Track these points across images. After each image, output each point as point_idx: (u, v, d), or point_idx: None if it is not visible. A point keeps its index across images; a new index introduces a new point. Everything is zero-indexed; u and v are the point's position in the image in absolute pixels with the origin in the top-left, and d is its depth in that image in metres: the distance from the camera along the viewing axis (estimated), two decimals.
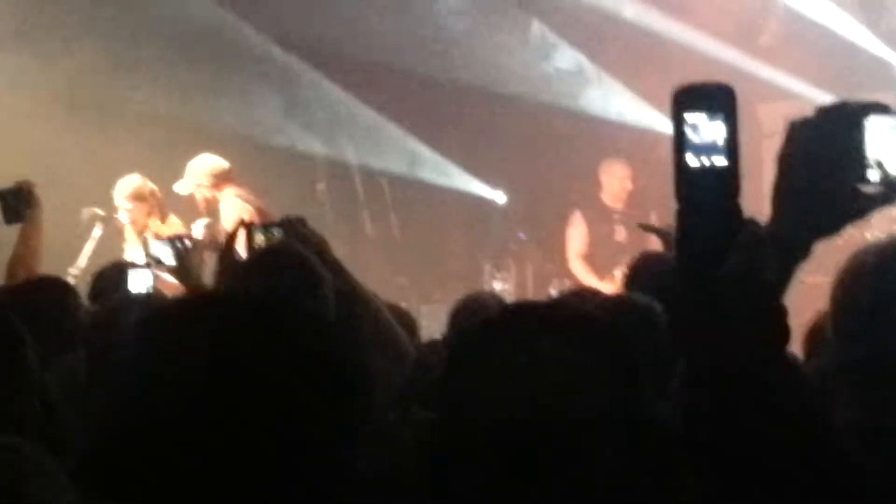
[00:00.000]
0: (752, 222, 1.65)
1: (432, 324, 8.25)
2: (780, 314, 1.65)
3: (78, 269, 8.22)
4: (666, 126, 11.07)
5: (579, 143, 12.10)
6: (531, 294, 11.82)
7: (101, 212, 8.68)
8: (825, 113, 2.09)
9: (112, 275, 5.63)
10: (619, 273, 10.37)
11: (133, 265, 5.76)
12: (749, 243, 1.64)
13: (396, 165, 13.10)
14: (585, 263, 10.84)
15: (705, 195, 1.65)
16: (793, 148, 2.13)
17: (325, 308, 3.57)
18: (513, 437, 1.84)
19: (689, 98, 1.67)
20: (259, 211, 8.05)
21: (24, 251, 5.93)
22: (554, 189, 12.17)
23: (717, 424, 1.64)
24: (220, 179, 8.53)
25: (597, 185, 11.06)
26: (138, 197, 8.63)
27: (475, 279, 12.15)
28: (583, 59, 12.68)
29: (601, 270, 10.60)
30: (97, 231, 8.68)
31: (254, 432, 1.77)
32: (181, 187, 8.54)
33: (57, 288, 4.68)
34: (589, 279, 10.52)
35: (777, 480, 1.63)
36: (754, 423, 1.62)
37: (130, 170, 8.84)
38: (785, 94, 12.01)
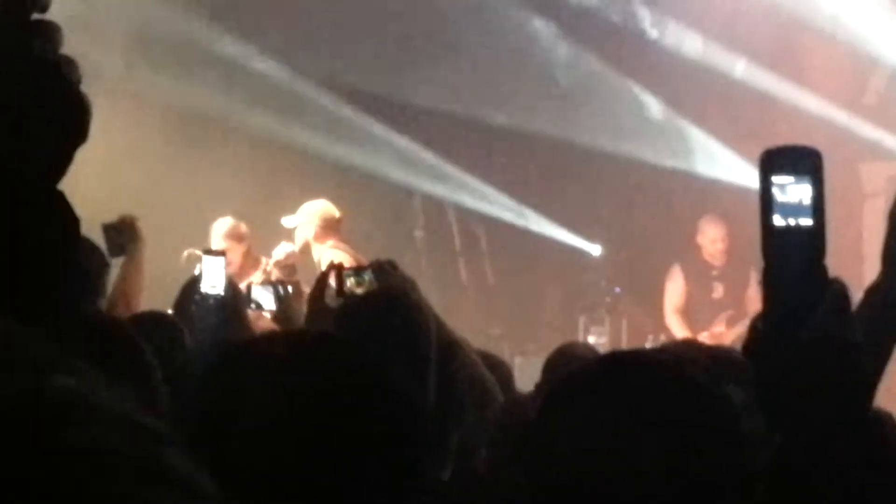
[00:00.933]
0: (838, 282, 1.66)
1: (526, 375, 8.23)
2: (865, 374, 1.65)
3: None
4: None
5: (679, 198, 12.06)
6: (626, 347, 11.77)
7: (200, 252, 8.76)
8: None
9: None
10: (717, 329, 10.33)
11: (209, 251, 5.76)
12: (834, 303, 1.64)
13: (495, 215, 13.15)
14: (682, 318, 10.79)
15: (792, 255, 1.67)
16: None
17: (424, 354, 3.58)
18: (600, 490, 1.83)
19: (777, 160, 1.70)
20: (356, 262, 8.11)
21: (125, 286, 5.97)
22: (651, 243, 12.13)
23: (807, 487, 1.63)
24: (328, 226, 8.63)
25: (695, 241, 11.02)
26: (235, 237, 8.76)
27: (570, 332, 12.10)
28: (682, 115, 12.65)
29: (696, 327, 10.54)
30: (197, 272, 8.76)
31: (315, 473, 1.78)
32: (289, 221, 8.66)
33: (168, 324, 4.71)
34: (684, 334, 10.46)
35: None
36: (844, 484, 1.62)
37: (230, 209, 8.98)
38: (888, 155, 11.90)
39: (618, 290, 12.46)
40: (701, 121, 12.48)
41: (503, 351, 11.16)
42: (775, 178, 1.68)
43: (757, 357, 1.67)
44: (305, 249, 8.63)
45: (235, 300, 5.34)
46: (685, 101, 12.50)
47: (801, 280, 1.65)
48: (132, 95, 11.57)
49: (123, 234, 6.10)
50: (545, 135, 12.52)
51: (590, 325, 12.35)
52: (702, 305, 10.68)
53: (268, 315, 5.79)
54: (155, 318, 4.86)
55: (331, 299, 4.51)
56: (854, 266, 11.88)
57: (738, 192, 12.18)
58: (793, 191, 1.68)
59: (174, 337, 4.41)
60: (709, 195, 12.11)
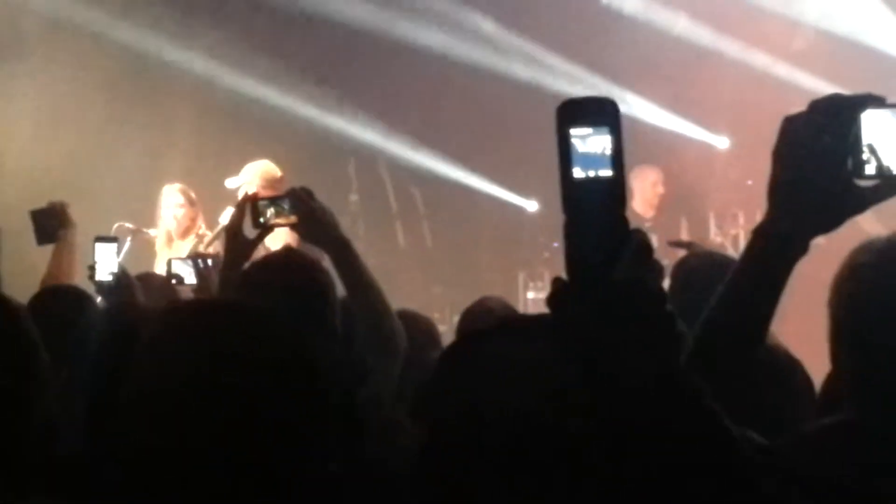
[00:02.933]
0: (639, 231, 1.66)
1: None
2: (670, 321, 1.65)
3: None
4: (695, 132, 11.03)
5: None
6: None
7: (130, 225, 8.73)
8: (818, 106, 2.06)
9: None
10: None
11: (99, 238, 5.74)
12: (636, 251, 1.64)
13: (428, 175, 13.14)
14: None
15: (592, 206, 1.66)
16: (787, 142, 2.10)
17: (330, 314, 3.58)
18: (491, 442, 1.82)
19: (574, 112, 1.69)
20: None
21: (57, 271, 5.92)
22: None
23: (610, 432, 1.65)
24: (269, 185, 8.61)
25: (628, 191, 11.01)
26: (189, 199, 8.81)
27: (510, 288, 12.12)
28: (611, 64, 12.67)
29: None
30: (126, 244, 8.74)
31: (237, 443, 1.77)
32: (231, 182, 8.65)
33: (72, 296, 4.66)
34: None
35: (669, 488, 1.63)
36: (648, 430, 1.63)
37: (167, 181, 8.97)
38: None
39: (556, 245, 12.47)
40: (623, 68, 12.49)
41: (444, 310, 11.19)
42: (573, 130, 1.67)
43: (559, 309, 1.66)
44: None
45: (126, 287, 5.32)
46: (609, 52, 12.50)
47: (603, 231, 1.65)
48: (61, 50, 11.47)
49: (53, 220, 6.03)
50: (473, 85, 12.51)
51: (529, 281, 12.37)
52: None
53: (188, 288, 5.76)
54: (61, 290, 4.82)
55: (249, 231, 4.45)
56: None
57: (668, 142, 12.25)
58: (591, 142, 1.67)
59: (81, 308, 4.37)
60: (639, 145, 12.14)
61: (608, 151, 1.67)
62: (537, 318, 2.12)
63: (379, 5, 12.39)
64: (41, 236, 6.00)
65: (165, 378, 1.82)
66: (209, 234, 8.68)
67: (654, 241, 9.97)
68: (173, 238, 8.82)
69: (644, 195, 10.93)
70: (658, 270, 1.66)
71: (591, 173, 1.66)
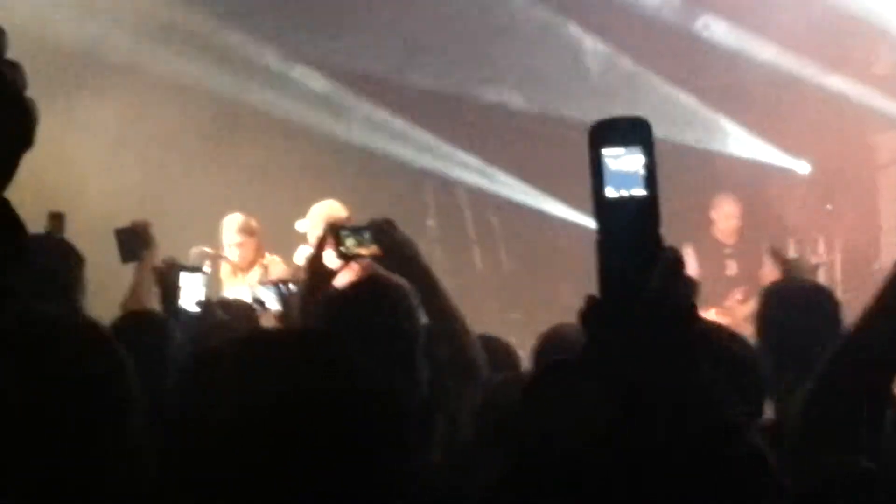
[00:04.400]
0: (671, 248, 1.66)
1: None
2: (700, 336, 1.67)
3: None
4: (777, 157, 10.95)
5: (691, 177, 11.99)
6: None
7: (209, 250, 8.77)
8: None
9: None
10: (728, 304, 10.30)
11: (184, 267, 5.80)
12: (668, 267, 1.64)
13: (505, 200, 13.14)
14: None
15: (625, 226, 1.67)
16: None
17: (413, 344, 3.57)
18: (580, 470, 1.82)
19: (606, 133, 1.69)
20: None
21: (140, 290, 5.94)
22: (665, 222, 12.07)
23: (638, 445, 1.65)
24: None
25: (708, 220, 10.99)
26: (248, 231, 8.79)
27: None
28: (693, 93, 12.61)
29: (709, 304, 10.53)
30: (206, 269, 8.79)
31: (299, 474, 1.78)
32: (301, 225, 8.65)
33: (156, 322, 4.70)
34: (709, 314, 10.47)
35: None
36: (673, 445, 1.64)
37: (236, 210, 9.00)
38: None
39: None
40: (708, 97, 12.43)
41: (522, 335, 11.13)
42: (605, 150, 1.68)
43: (592, 324, 1.67)
44: None
45: (211, 316, 5.36)
46: (696, 80, 12.45)
47: (635, 249, 1.66)
48: (141, 87, 11.58)
49: (136, 239, 6.06)
50: (557, 116, 12.49)
51: None
52: (715, 283, 10.66)
53: (272, 314, 5.80)
54: (144, 316, 4.85)
55: (330, 261, 4.46)
56: (871, 236, 11.86)
57: (751, 169, 12.17)
58: (624, 161, 1.67)
59: (160, 333, 4.39)
60: (721, 173, 12.07)
61: (641, 170, 1.68)
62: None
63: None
64: (125, 254, 6.03)
65: (238, 409, 1.83)
66: (275, 260, 8.71)
67: (735, 267, 10.00)
68: (237, 269, 8.84)
69: (719, 225, 10.94)
70: (691, 287, 1.66)
71: (625, 192, 1.67)
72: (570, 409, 1.84)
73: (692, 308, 1.66)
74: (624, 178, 1.67)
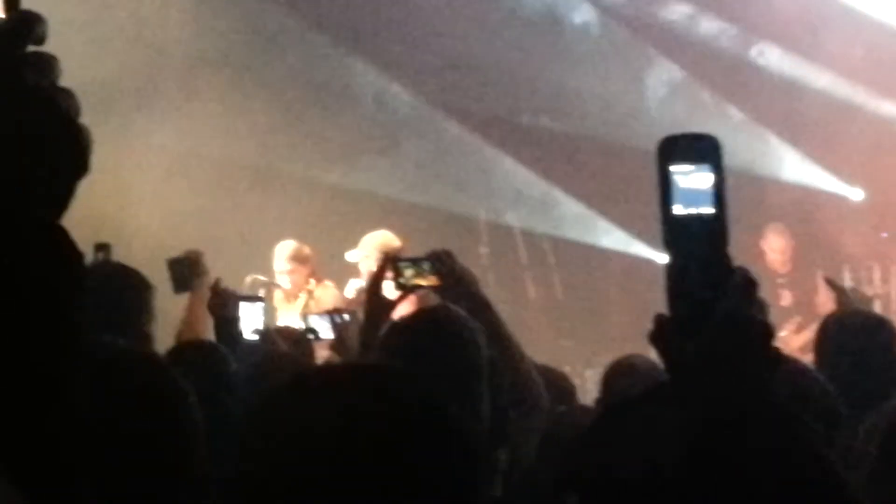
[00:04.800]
0: (742, 268, 1.65)
1: (596, 387, 8.17)
2: (776, 356, 1.64)
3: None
4: (830, 183, 10.90)
5: (743, 203, 11.91)
6: None
7: (263, 278, 8.79)
8: None
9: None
10: (782, 334, 10.21)
11: (243, 297, 5.81)
12: (741, 287, 1.63)
13: (558, 227, 13.13)
14: None
15: (694, 243, 1.65)
16: None
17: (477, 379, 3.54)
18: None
19: (676, 149, 1.68)
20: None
21: (193, 319, 5.91)
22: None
23: (716, 470, 1.63)
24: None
25: (758, 246, 10.93)
26: (299, 259, 8.80)
27: (639, 343, 11.97)
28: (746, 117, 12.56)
29: None
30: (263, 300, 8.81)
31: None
32: (352, 255, 8.66)
33: (212, 351, 4.68)
34: None
35: None
36: (750, 466, 1.61)
37: (288, 237, 9.02)
38: None
39: None
40: (763, 121, 12.38)
41: (574, 363, 11.13)
42: (674, 167, 1.67)
43: (664, 345, 1.66)
44: None
45: (271, 344, 5.36)
46: (751, 106, 12.41)
47: (706, 267, 1.64)
48: (195, 114, 11.65)
49: (188, 268, 6.05)
50: (614, 141, 12.49)
51: None
52: (770, 313, 10.57)
53: (325, 343, 5.80)
54: (195, 346, 4.82)
55: (389, 292, 4.45)
56: None
57: (805, 195, 12.09)
58: (693, 179, 1.66)
59: (217, 363, 4.37)
60: (774, 200, 12.00)
61: (710, 188, 1.66)
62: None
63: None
64: (178, 285, 6.03)
65: (308, 447, 1.81)
66: (326, 286, 8.71)
67: (789, 297, 9.92)
68: (290, 297, 8.85)
69: (771, 255, 10.86)
70: (763, 308, 1.67)
71: (693, 210, 1.65)
72: (642, 442, 1.83)
73: (768, 328, 1.64)
74: (693, 196, 1.66)
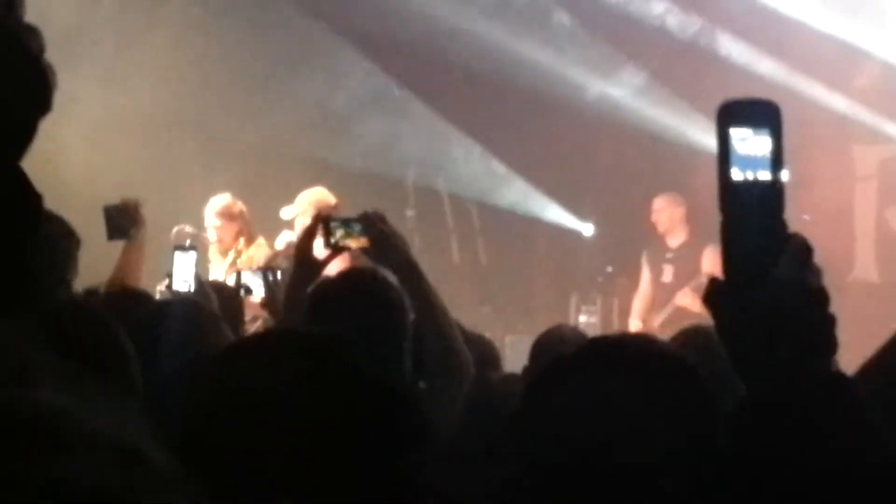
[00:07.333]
0: (799, 235, 1.65)
1: (517, 353, 8.24)
2: (830, 322, 1.65)
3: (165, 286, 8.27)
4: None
5: (677, 177, 11.92)
6: (617, 328, 11.76)
7: (190, 229, 8.73)
8: None
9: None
10: (683, 301, 10.21)
11: (180, 247, 5.78)
12: (797, 252, 1.64)
13: (486, 193, 13.16)
14: (642, 303, 10.78)
15: (750, 209, 1.65)
16: None
17: (401, 339, 3.57)
18: (583, 477, 1.85)
19: (735, 112, 1.68)
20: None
21: (126, 269, 5.85)
22: (642, 222, 12.10)
23: (768, 437, 1.64)
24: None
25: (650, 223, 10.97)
26: (227, 215, 8.71)
27: (561, 311, 12.12)
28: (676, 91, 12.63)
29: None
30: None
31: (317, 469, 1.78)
32: (286, 212, 8.60)
33: (144, 300, 4.63)
34: (637, 324, 10.51)
35: (824, 491, 1.62)
36: (803, 434, 1.62)
37: (224, 190, 8.96)
38: (881, 138, 11.89)
39: (610, 269, 12.43)
40: (694, 97, 12.44)
41: (495, 330, 11.18)
42: (733, 131, 1.66)
43: (718, 306, 1.66)
44: None
45: (203, 297, 5.32)
46: (680, 78, 12.46)
47: (761, 233, 1.64)
48: (129, 64, 11.56)
49: (126, 217, 5.96)
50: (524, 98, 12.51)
51: (581, 305, 12.36)
52: (658, 290, 10.64)
53: (257, 301, 5.78)
54: (133, 294, 4.78)
55: (319, 251, 4.43)
56: (846, 246, 11.91)
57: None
58: (751, 144, 1.66)
59: (147, 313, 4.33)
60: (703, 170, 12.04)
61: (768, 154, 1.67)
62: (617, 344, 2.15)
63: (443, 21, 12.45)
64: (112, 232, 5.92)
65: (265, 408, 1.82)
66: (259, 243, 8.66)
67: (671, 275, 9.75)
68: (221, 252, 8.78)
69: (664, 227, 10.78)
70: (818, 273, 1.65)
71: (750, 175, 1.65)
72: (591, 407, 1.86)
73: (824, 294, 1.64)
74: (750, 161, 1.66)
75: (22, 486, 0.58)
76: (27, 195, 1.31)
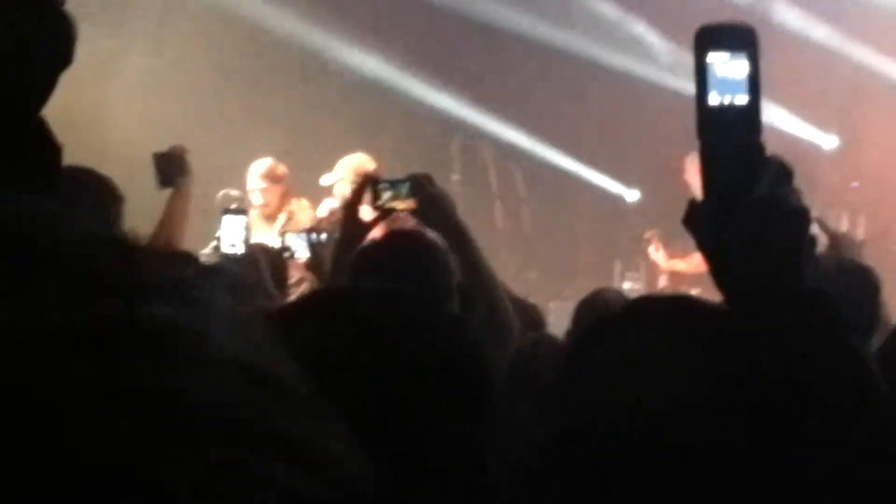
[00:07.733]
0: (776, 157, 1.66)
1: (560, 320, 8.20)
2: (811, 241, 1.65)
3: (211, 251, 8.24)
4: (804, 130, 10.80)
5: None
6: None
7: (235, 192, 8.72)
8: None
9: None
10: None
11: (228, 210, 5.74)
12: (776, 172, 1.64)
13: (531, 159, 13.13)
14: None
15: (728, 132, 1.66)
16: None
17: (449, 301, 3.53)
18: (629, 438, 1.81)
19: (713, 37, 1.68)
20: None
21: (172, 220, 5.68)
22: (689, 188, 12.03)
23: (751, 350, 1.65)
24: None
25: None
26: (272, 177, 8.69)
27: (605, 277, 12.06)
28: None
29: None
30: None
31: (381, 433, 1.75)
32: (327, 179, 8.59)
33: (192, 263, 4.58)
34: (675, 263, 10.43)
35: (806, 401, 1.62)
36: (781, 348, 1.62)
37: (268, 154, 8.95)
38: None
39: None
40: None
41: (538, 295, 11.14)
42: (711, 55, 1.67)
43: (698, 228, 1.67)
44: None
45: (255, 261, 5.29)
46: None
47: (739, 156, 1.65)
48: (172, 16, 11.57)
49: (173, 165, 5.84)
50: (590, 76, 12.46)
51: (625, 271, 12.31)
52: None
53: (300, 261, 5.76)
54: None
55: (365, 214, 4.40)
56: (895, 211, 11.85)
57: (779, 141, 12.08)
58: (729, 67, 1.67)
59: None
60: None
61: (745, 77, 1.67)
62: (665, 303, 2.12)
63: None
64: (162, 179, 5.81)
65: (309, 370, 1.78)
66: (302, 205, 8.63)
67: None
68: (264, 216, 8.74)
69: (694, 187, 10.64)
70: (798, 194, 1.65)
71: (727, 99, 1.66)
72: (635, 366, 1.83)
73: (805, 212, 1.65)
74: (728, 84, 1.66)
75: (138, 397, 0.55)
76: (47, 144, 1.31)
